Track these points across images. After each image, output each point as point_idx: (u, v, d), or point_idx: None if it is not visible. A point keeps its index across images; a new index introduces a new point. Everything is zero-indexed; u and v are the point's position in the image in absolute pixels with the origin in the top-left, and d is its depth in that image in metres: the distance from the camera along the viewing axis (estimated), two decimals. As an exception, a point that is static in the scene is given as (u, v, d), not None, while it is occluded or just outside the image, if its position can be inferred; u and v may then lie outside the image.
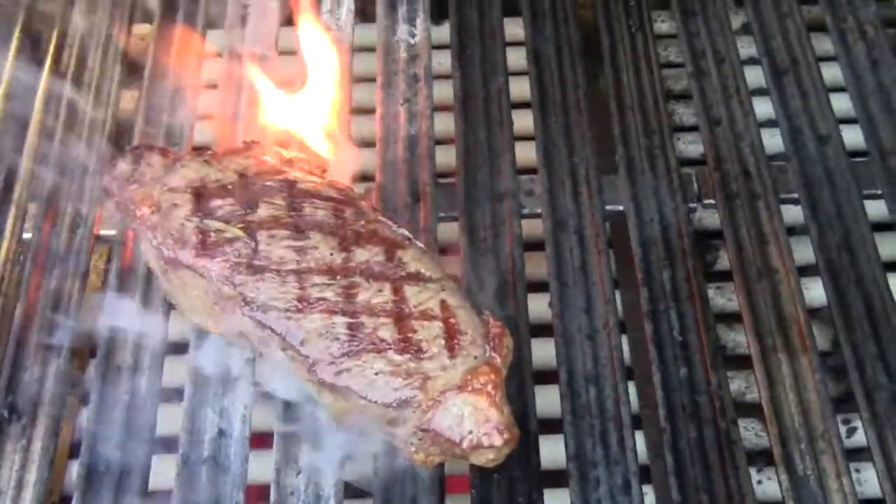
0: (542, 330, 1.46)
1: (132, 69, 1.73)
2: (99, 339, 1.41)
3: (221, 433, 1.33)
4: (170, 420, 1.37)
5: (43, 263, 1.47)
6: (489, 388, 1.24)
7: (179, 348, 1.43)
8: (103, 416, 1.35)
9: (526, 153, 1.61)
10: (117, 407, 1.35)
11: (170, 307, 1.42)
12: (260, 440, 1.38)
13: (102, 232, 1.52)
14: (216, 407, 1.35)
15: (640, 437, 1.45)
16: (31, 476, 1.31)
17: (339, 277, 1.30)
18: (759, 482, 1.45)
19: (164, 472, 1.34)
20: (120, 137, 1.63)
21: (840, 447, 1.30)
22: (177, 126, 1.62)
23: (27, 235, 1.51)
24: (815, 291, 1.53)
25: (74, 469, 1.37)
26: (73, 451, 1.46)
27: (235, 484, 1.29)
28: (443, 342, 1.26)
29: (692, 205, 1.53)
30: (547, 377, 1.41)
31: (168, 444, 1.38)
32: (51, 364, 1.39)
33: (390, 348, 1.25)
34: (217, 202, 1.37)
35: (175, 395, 1.41)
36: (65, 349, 1.40)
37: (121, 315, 1.42)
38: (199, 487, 1.29)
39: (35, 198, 1.54)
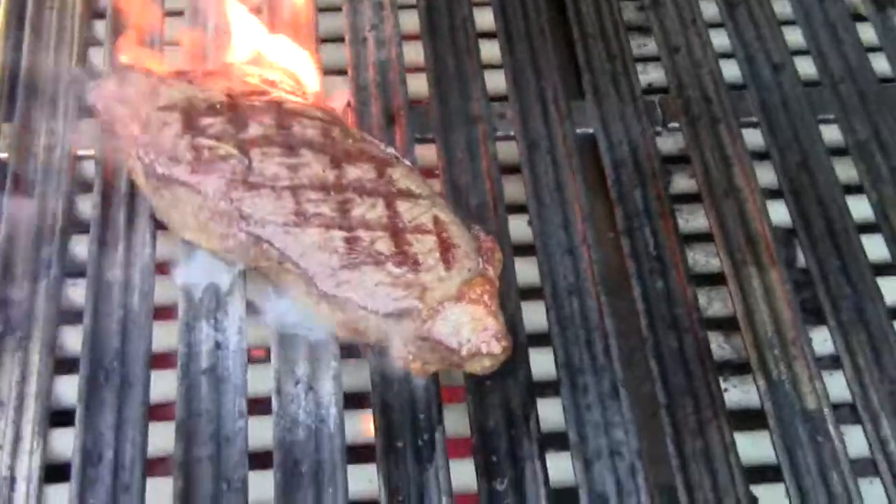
0: (523, 250, 1.50)
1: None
2: (88, 255, 1.41)
3: (218, 345, 1.35)
4: (166, 337, 1.39)
5: (23, 183, 1.47)
6: (485, 298, 1.29)
7: (169, 266, 1.43)
8: (99, 329, 1.35)
9: (495, 82, 1.65)
10: (112, 320, 1.36)
11: (156, 226, 1.43)
12: (257, 354, 1.41)
13: (81, 152, 1.51)
14: (210, 321, 1.37)
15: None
16: (31, 388, 1.31)
17: (333, 193, 1.33)
18: (726, 390, 1.51)
19: (164, 386, 1.35)
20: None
21: (811, 353, 1.38)
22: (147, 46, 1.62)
23: (3, 155, 1.50)
24: (777, 213, 1.59)
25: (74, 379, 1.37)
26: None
27: (237, 392, 1.32)
28: (438, 255, 1.30)
29: (658, 128, 1.59)
30: (532, 294, 1.46)
31: (167, 360, 1.39)
32: (41, 280, 1.39)
33: (388, 261, 1.29)
34: (207, 120, 1.38)
35: (169, 312, 1.42)
36: (54, 265, 1.40)
37: (107, 233, 1.43)
38: (200, 397, 1.31)
39: (9, 119, 1.53)
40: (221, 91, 1.43)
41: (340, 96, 1.57)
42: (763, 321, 1.41)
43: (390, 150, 1.41)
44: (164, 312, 1.42)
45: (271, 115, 1.40)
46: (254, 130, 1.38)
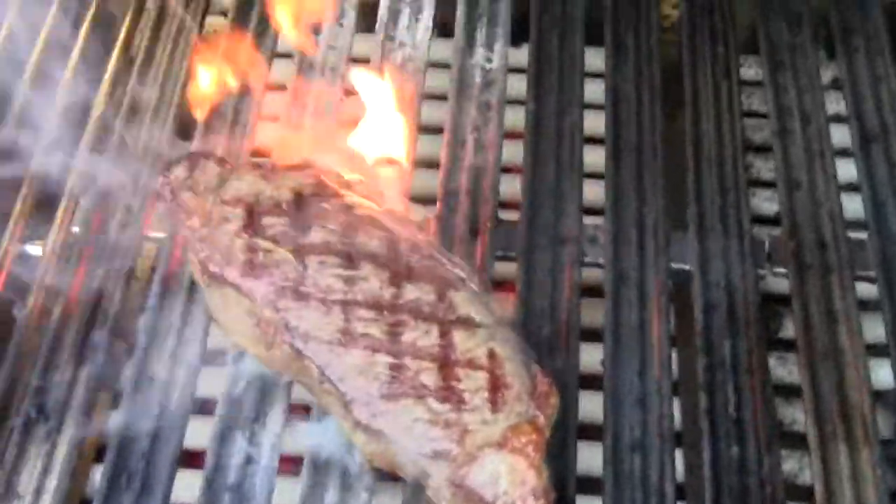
0: (591, 382, 1.40)
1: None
2: (136, 344, 1.37)
3: (249, 460, 1.28)
4: (198, 431, 1.33)
5: (88, 260, 1.43)
6: (529, 448, 1.19)
7: (218, 357, 1.38)
8: (131, 427, 1.30)
9: (594, 192, 1.55)
10: (146, 419, 1.31)
11: (210, 322, 1.37)
12: (288, 463, 1.34)
13: (152, 234, 1.47)
14: (246, 432, 1.30)
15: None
16: (52, 482, 1.27)
17: (386, 313, 1.25)
18: (802, 573, 1.39)
19: (187, 486, 1.30)
20: (182, 133, 1.60)
21: (894, 550, 1.24)
22: (240, 126, 1.58)
23: (75, 229, 1.47)
24: (881, 374, 1.46)
25: (97, 473, 1.34)
26: (99, 455, 1.42)
27: (258, 516, 1.25)
28: (486, 395, 1.21)
29: (761, 271, 1.46)
30: (592, 433, 1.35)
31: (195, 458, 1.33)
32: (85, 366, 1.35)
33: (431, 395, 1.20)
34: (269, 220, 1.32)
35: (207, 406, 1.36)
36: (101, 352, 1.36)
37: (161, 323, 1.38)
38: (220, 515, 1.25)
39: (87, 191, 1.50)
40: (293, 188, 1.36)
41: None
42: (844, 507, 1.27)
43: (458, 269, 1.32)
44: (203, 408, 1.37)
45: (338, 220, 1.33)
46: (315, 236, 1.31)
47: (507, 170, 1.58)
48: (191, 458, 1.35)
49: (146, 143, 1.54)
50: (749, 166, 1.71)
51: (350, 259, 1.29)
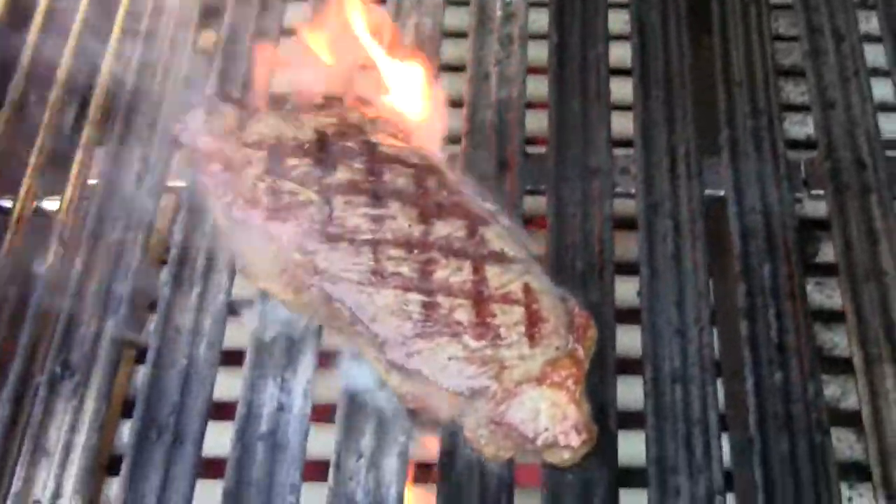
0: (628, 316, 1.36)
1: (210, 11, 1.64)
2: (160, 296, 1.33)
3: (281, 407, 1.25)
4: (229, 384, 1.30)
5: (107, 212, 1.40)
6: (569, 382, 1.16)
7: (244, 306, 1.34)
8: (159, 378, 1.28)
9: (622, 125, 1.51)
10: (174, 369, 1.28)
11: (235, 267, 1.34)
12: (321, 412, 1.31)
13: (171, 183, 1.44)
14: (277, 378, 1.27)
15: (726, 441, 1.37)
16: (80, 438, 1.24)
17: (416, 252, 1.22)
18: (850, 499, 1.35)
19: (218, 439, 1.27)
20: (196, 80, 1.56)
21: (947, 473, 1.20)
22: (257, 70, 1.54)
23: (92, 181, 1.43)
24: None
25: (126, 429, 1.32)
26: (127, 410, 1.40)
27: (292, 464, 1.22)
28: (523, 329, 1.18)
29: (798, 194, 1.42)
30: (631, 367, 1.32)
31: (225, 410, 1.30)
32: (108, 319, 1.32)
33: (466, 332, 1.17)
34: (293, 162, 1.29)
35: (236, 358, 1.33)
36: (123, 304, 1.33)
37: (184, 272, 1.35)
38: (254, 464, 1.22)
39: (103, 142, 1.47)
40: (316, 128, 1.33)
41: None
42: (893, 430, 1.23)
43: (488, 204, 1.28)
44: (231, 359, 1.33)
45: (363, 158, 1.29)
46: (341, 175, 1.27)
47: (532, 105, 1.54)
48: (222, 410, 1.32)
49: (161, 90, 1.50)
50: (779, 91, 1.66)
51: (377, 197, 1.26)
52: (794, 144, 1.60)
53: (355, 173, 1.28)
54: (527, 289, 1.21)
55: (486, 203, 1.29)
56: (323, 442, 1.26)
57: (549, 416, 1.14)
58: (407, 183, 1.28)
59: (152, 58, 1.55)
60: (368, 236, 1.23)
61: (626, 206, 1.42)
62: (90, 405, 1.26)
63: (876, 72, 1.56)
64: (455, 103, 1.53)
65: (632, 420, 1.29)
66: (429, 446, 1.25)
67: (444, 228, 1.24)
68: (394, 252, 1.22)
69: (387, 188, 1.27)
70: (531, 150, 1.47)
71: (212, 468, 1.28)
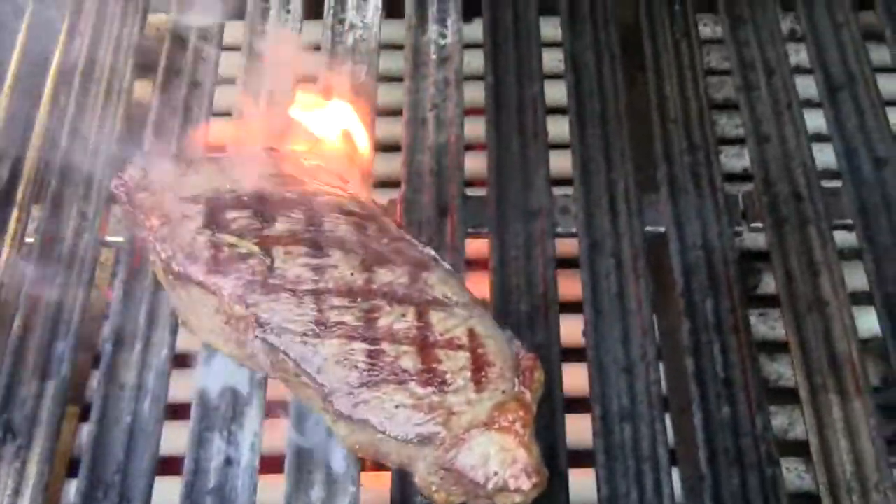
0: (574, 354, 1.36)
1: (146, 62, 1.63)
2: (102, 354, 1.32)
3: (229, 461, 1.24)
4: (175, 438, 1.29)
5: (45, 270, 1.38)
6: (517, 425, 1.15)
7: (188, 361, 1.33)
8: (103, 436, 1.26)
9: (561, 163, 1.51)
10: (118, 426, 1.26)
11: (178, 321, 1.32)
12: (271, 464, 1.29)
13: (109, 238, 1.42)
14: (223, 432, 1.26)
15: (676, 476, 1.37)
16: (24, 502, 1.22)
17: (359, 300, 1.21)
18: (805, 530, 1.36)
19: (166, 496, 1.25)
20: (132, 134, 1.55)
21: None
22: (192, 122, 1.53)
23: (29, 240, 1.42)
24: (867, 322, 1.43)
25: (72, 488, 1.29)
26: (72, 470, 1.37)
27: (242, 518, 1.21)
28: (469, 374, 1.17)
29: (738, 228, 1.43)
30: (579, 406, 1.32)
31: (172, 465, 1.29)
32: (50, 379, 1.30)
33: (413, 380, 1.16)
34: (231, 214, 1.28)
35: (181, 411, 1.32)
36: (65, 363, 1.31)
37: (126, 328, 1.33)
38: (203, 520, 1.21)
39: (39, 199, 1.45)
40: (253, 180, 1.32)
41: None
42: (841, 460, 1.24)
43: (428, 250, 1.28)
44: (177, 414, 1.32)
45: (302, 208, 1.29)
46: (280, 226, 1.27)
47: (470, 147, 1.55)
48: (169, 466, 1.31)
49: (96, 146, 1.49)
50: (714, 125, 1.67)
51: (318, 247, 1.25)
52: (732, 177, 1.62)
53: (295, 223, 1.27)
54: (471, 333, 1.20)
55: (426, 248, 1.28)
56: (272, 495, 1.24)
57: (499, 461, 1.13)
58: (347, 231, 1.28)
59: (86, 112, 1.53)
60: (310, 286, 1.22)
61: (568, 246, 1.43)
62: (33, 468, 1.23)
63: (809, 103, 1.58)
64: (393, 148, 1.53)
65: (582, 459, 1.28)
66: (379, 495, 1.24)
67: (386, 275, 1.24)
68: (337, 301, 1.21)
69: (327, 237, 1.26)
70: (471, 192, 1.47)
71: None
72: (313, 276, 1.23)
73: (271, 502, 1.24)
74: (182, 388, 1.32)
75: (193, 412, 1.27)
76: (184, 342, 1.34)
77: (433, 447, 1.15)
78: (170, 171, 1.33)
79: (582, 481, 1.26)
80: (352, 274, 1.23)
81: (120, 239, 1.42)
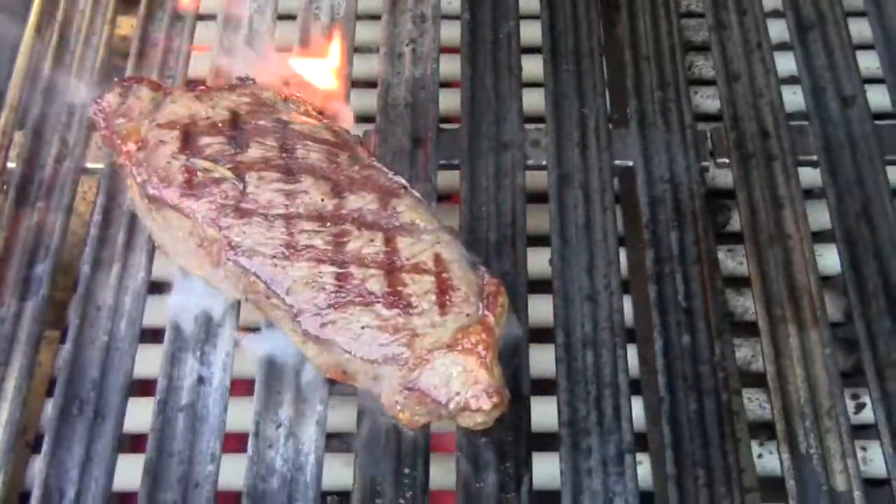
0: (540, 286, 1.39)
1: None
2: (80, 276, 1.35)
3: (201, 380, 1.28)
4: (149, 361, 1.32)
5: (27, 194, 1.41)
6: (480, 348, 1.18)
7: (163, 287, 1.36)
8: (80, 355, 1.29)
9: (534, 101, 1.54)
10: (94, 346, 1.30)
11: (154, 246, 1.35)
12: (241, 386, 1.33)
13: (90, 164, 1.45)
14: (197, 353, 1.29)
15: (640, 403, 1.40)
16: (3, 416, 1.26)
17: (329, 224, 1.24)
18: (760, 455, 1.39)
19: (140, 415, 1.29)
20: (114, 66, 1.57)
21: (847, 426, 1.24)
22: (173, 55, 1.56)
23: (11, 165, 1.45)
24: (830, 259, 1.46)
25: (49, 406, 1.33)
26: (51, 389, 1.41)
27: (213, 434, 1.24)
28: (434, 298, 1.20)
29: (705, 163, 1.45)
30: (544, 336, 1.35)
31: (146, 387, 1.32)
32: (29, 300, 1.33)
33: (378, 302, 1.19)
34: (206, 140, 1.31)
35: (156, 335, 1.35)
36: (44, 285, 1.34)
37: (104, 251, 1.36)
38: (175, 435, 1.24)
39: (22, 126, 1.48)
40: (229, 107, 1.35)
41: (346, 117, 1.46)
42: (796, 387, 1.27)
43: (399, 178, 1.31)
44: (152, 337, 1.35)
45: (275, 136, 1.32)
46: (254, 152, 1.30)
47: (446, 84, 1.57)
48: (144, 387, 1.34)
49: (79, 75, 1.51)
50: (691, 65, 1.70)
51: (290, 173, 1.28)
52: (706, 118, 1.65)
53: (268, 150, 1.30)
54: (437, 258, 1.23)
55: (396, 176, 1.31)
56: (244, 415, 1.28)
57: (461, 381, 1.17)
58: (319, 158, 1.30)
59: (69, 42, 1.56)
60: (281, 211, 1.25)
61: (538, 179, 1.45)
62: (11, 383, 1.27)
63: (782, 46, 1.60)
64: (371, 84, 1.56)
65: (546, 387, 1.32)
66: (347, 415, 1.27)
67: (356, 202, 1.27)
68: (307, 225, 1.24)
69: (299, 164, 1.29)
70: (445, 127, 1.49)
71: (134, 443, 1.30)
72: (285, 201, 1.25)
73: (241, 421, 1.27)
74: (158, 312, 1.34)
75: (168, 333, 1.31)
76: (160, 267, 1.37)
77: (397, 367, 1.18)
78: (147, 98, 1.36)
79: (544, 407, 1.30)
80: (322, 199, 1.26)
81: (100, 165, 1.44)
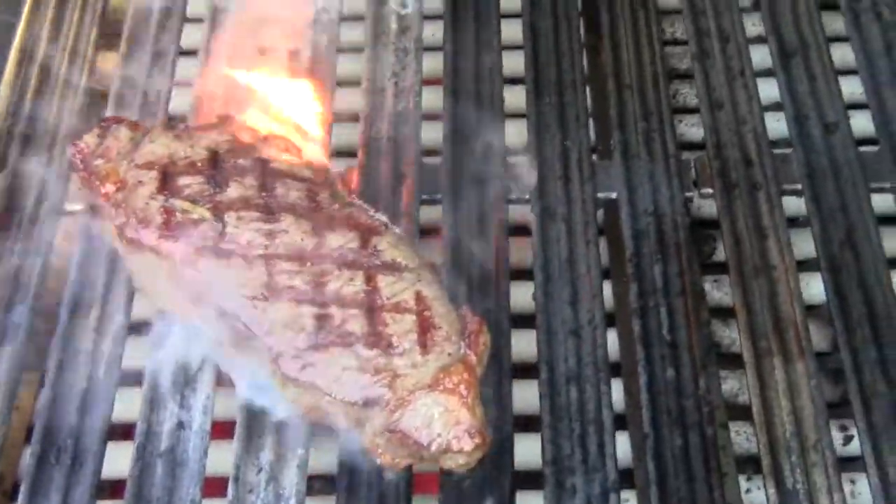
0: (524, 321, 1.38)
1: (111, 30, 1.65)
2: (59, 320, 1.34)
3: (181, 425, 1.26)
4: (129, 405, 1.31)
5: (6, 236, 1.40)
6: (462, 388, 1.17)
7: (143, 329, 1.35)
8: (58, 401, 1.28)
9: (517, 133, 1.53)
10: (73, 392, 1.29)
11: (134, 288, 1.34)
12: (221, 429, 1.32)
13: (69, 206, 1.44)
14: (177, 396, 1.28)
15: (625, 438, 1.39)
16: (-22, 466, 1.25)
17: (309, 264, 1.24)
18: (749, 490, 1.38)
19: (119, 459, 1.28)
20: (94, 104, 1.57)
21: (833, 459, 1.23)
22: (153, 92, 1.55)
23: (-10, 207, 1.44)
24: (815, 288, 1.45)
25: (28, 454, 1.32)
26: (29, 435, 1.40)
27: (192, 479, 1.23)
28: (415, 337, 1.19)
29: (689, 193, 1.45)
30: (527, 372, 1.34)
31: (126, 431, 1.31)
32: (7, 344, 1.32)
33: (359, 342, 1.18)
34: (185, 180, 1.30)
35: (135, 377, 1.34)
36: (23, 329, 1.33)
37: (83, 294, 1.36)
38: (154, 481, 1.23)
39: (1, 167, 1.47)
40: (208, 146, 1.34)
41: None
42: (782, 420, 1.26)
43: (380, 215, 1.30)
44: (132, 380, 1.34)
45: (255, 174, 1.31)
46: (233, 192, 1.29)
47: (430, 117, 1.56)
48: (123, 432, 1.33)
49: (59, 115, 1.51)
50: (675, 94, 1.69)
51: (269, 212, 1.27)
52: (692, 146, 1.63)
53: (247, 189, 1.29)
54: (419, 297, 1.22)
55: (378, 214, 1.30)
56: (224, 459, 1.26)
57: (442, 422, 1.15)
58: (299, 197, 1.29)
59: (49, 82, 1.55)
60: (261, 251, 1.24)
61: (522, 212, 1.44)
62: (-13, 431, 1.27)
63: (764, 73, 1.59)
64: (353, 118, 1.55)
65: (532, 424, 1.31)
66: (328, 457, 1.26)
67: (336, 240, 1.26)
68: (286, 266, 1.23)
69: (279, 203, 1.28)
70: (428, 161, 1.49)
71: (113, 489, 1.29)
72: (264, 241, 1.24)
73: (224, 466, 1.26)
74: (138, 354, 1.33)
75: (147, 378, 1.29)
76: (141, 309, 1.36)
77: (379, 409, 1.17)
78: (126, 138, 1.35)
79: (529, 445, 1.29)
80: (302, 239, 1.25)
81: (79, 207, 1.44)
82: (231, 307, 1.22)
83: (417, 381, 1.17)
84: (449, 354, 1.19)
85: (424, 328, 1.20)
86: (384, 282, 1.23)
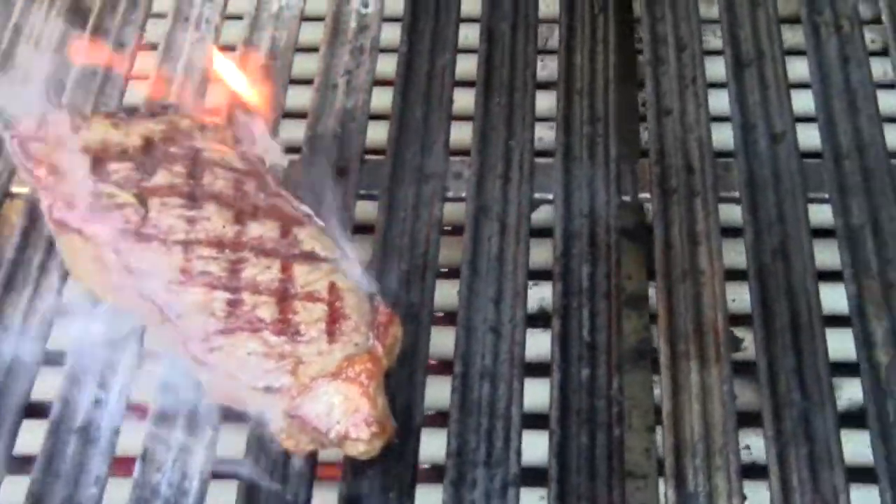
0: (449, 319, 1.39)
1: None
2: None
3: (98, 403, 1.28)
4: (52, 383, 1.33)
5: (-49, 218, 1.44)
6: (363, 377, 1.18)
7: (72, 307, 1.37)
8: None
9: (464, 134, 1.54)
10: (-2, 369, 1.32)
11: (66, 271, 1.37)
12: (138, 410, 1.33)
13: (15, 189, 1.48)
14: (96, 376, 1.30)
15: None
16: None
17: (227, 251, 1.25)
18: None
19: (35, 438, 1.29)
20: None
21: (737, 465, 1.21)
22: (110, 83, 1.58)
23: (-62, 188, 1.48)
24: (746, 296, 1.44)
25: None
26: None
27: (103, 456, 1.25)
28: (323, 326, 1.20)
29: (625, 198, 1.44)
30: (447, 369, 1.34)
31: (45, 410, 1.33)
32: (-61, 320, 1.36)
33: (267, 328, 1.20)
34: (114, 166, 1.32)
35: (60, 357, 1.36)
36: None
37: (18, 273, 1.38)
38: (63, 457, 1.24)
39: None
40: (142, 135, 1.36)
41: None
42: (691, 423, 1.25)
43: (304, 207, 1.31)
44: (56, 360, 1.36)
45: (184, 162, 1.33)
46: (160, 178, 1.31)
47: (379, 117, 1.57)
48: (41, 410, 1.35)
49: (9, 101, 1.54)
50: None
51: (194, 200, 1.29)
52: (644, 154, 1.63)
53: (175, 177, 1.31)
54: (332, 287, 1.23)
55: (302, 205, 1.32)
56: (136, 436, 1.28)
57: (342, 410, 1.16)
58: (226, 186, 1.31)
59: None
60: (181, 237, 1.26)
61: (459, 211, 1.45)
62: None
63: (716, 85, 1.59)
64: (303, 114, 1.57)
65: (441, 419, 1.31)
66: (236, 440, 1.27)
67: (257, 229, 1.27)
68: (205, 252, 1.25)
69: (205, 191, 1.30)
70: (370, 158, 1.50)
71: (25, 465, 1.31)
72: (185, 227, 1.26)
73: (135, 445, 1.28)
74: (65, 335, 1.36)
75: (69, 357, 1.31)
76: (71, 291, 1.38)
77: (281, 395, 1.18)
78: (65, 124, 1.38)
79: (438, 439, 1.29)
80: (223, 226, 1.27)
81: (25, 190, 1.46)
82: (149, 290, 1.24)
83: (321, 369, 1.18)
84: (356, 345, 1.20)
85: (334, 318, 1.21)
86: (299, 271, 1.24)
